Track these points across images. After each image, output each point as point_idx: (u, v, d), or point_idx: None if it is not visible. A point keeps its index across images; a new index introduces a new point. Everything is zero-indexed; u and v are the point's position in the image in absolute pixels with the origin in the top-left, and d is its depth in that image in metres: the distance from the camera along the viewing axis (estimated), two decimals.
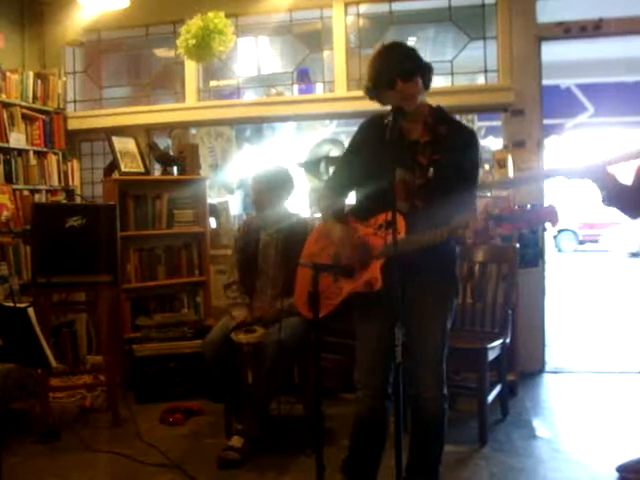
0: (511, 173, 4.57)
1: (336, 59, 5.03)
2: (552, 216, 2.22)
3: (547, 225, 2.29)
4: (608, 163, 2.72)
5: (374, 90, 2.56)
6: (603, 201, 2.78)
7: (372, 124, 2.65)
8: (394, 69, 2.49)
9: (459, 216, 2.35)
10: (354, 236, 2.61)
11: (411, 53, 2.56)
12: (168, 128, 5.54)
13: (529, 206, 2.25)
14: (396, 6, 4.99)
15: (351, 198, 2.80)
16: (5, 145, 4.62)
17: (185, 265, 4.96)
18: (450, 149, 2.51)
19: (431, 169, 2.49)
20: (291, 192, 3.81)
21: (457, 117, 5.41)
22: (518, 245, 3.96)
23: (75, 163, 5.36)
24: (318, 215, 4.01)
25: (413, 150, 2.52)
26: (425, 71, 2.56)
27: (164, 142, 5.69)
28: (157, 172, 5.27)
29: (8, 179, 4.62)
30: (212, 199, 5.45)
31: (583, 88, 9.03)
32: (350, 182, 2.72)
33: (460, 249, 2.74)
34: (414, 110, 2.51)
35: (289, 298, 3.39)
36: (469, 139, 2.61)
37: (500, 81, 4.80)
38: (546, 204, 2.32)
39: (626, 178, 2.86)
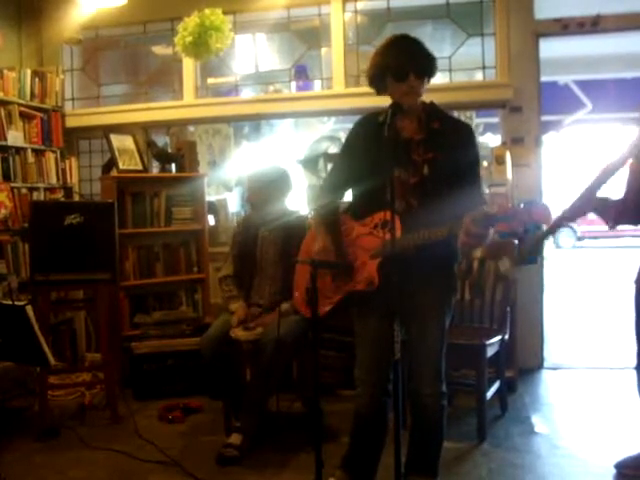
0: (509, 170, 4.57)
1: (334, 56, 5.02)
2: (545, 216, 2.23)
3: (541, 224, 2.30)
4: (586, 196, 2.80)
5: (380, 78, 2.54)
6: (610, 227, 2.87)
7: (366, 123, 2.64)
8: (409, 61, 2.47)
9: (468, 213, 2.32)
10: (333, 253, 2.60)
11: (427, 50, 2.56)
12: (166, 126, 5.53)
13: (522, 205, 2.24)
14: (394, 3, 5.00)
15: (348, 196, 2.80)
16: (3, 143, 4.61)
17: (183, 262, 4.96)
18: (445, 146, 2.49)
19: (426, 167, 2.48)
20: (287, 191, 3.80)
21: (455, 114, 5.44)
22: (516, 241, 3.96)
23: (73, 161, 5.35)
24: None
25: (407, 148, 2.51)
26: (433, 72, 2.56)
27: (162, 140, 5.69)
28: (155, 170, 5.27)
29: (6, 177, 4.61)
30: (210, 196, 5.45)
31: (581, 84, 9.02)
32: (345, 181, 2.70)
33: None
34: (410, 107, 2.50)
35: (288, 299, 3.39)
36: (464, 134, 2.59)
37: (498, 78, 4.80)
38: (539, 203, 2.32)
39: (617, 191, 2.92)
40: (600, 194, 2.85)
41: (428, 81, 2.55)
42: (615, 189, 2.97)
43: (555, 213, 2.23)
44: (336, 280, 2.64)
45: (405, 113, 2.47)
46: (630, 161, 2.94)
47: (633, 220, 2.98)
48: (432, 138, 2.52)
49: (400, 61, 2.48)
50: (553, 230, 2.93)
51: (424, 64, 2.50)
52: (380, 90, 2.59)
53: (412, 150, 2.51)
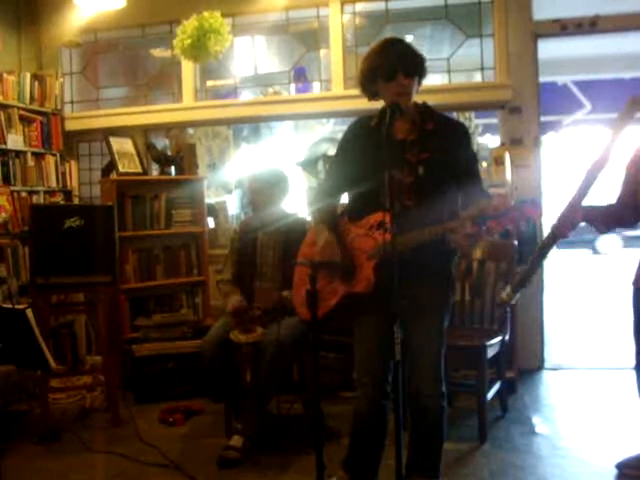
0: (509, 170, 4.58)
1: (333, 58, 5.03)
2: (534, 211, 2.24)
3: (532, 220, 2.31)
4: (573, 207, 2.78)
5: (371, 81, 2.55)
6: (601, 232, 2.86)
7: (360, 126, 2.65)
8: (398, 61, 2.48)
9: (476, 204, 2.33)
10: (337, 248, 2.59)
11: (415, 51, 2.56)
12: (165, 128, 5.54)
13: (513, 203, 2.25)
14: (392, 4, 5.00)
15: (345, 198, 2.80)
16: (3, 147, 4.62)
17: (184, 265, 4.96)
18: (440, 146, 2.50)
19: (421, 167, 2.49)
20: (287, 193, 3.83)
21: (454, 115, 5.44)
22: (516, 242, 3.97)
23: (73, 164, 5.36)
24: None
25: (401, 149, 2.51)
26: (423, 72, 2.57)
27: (161, 142, 5.69)
28: (155, 172, 5.27)
29: (6, 180, 4.62)
30: (210, 199, 5.45)
31: (580, 85, 9.03)
32: (341, 184, 2.71)
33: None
34: (404, 108, 2.51)
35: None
36: (459, 133, 2.59)
37: (497, 78, 4.80)
38: (530, 200, 2.33)
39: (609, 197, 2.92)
40: (586, 202, 2.84)
41: (420, 82, 2.56)
42: (603, 193, 2.97)
43: (545, 209, 2.24)
44: (333, 282, 2.64)
45: (399, 114, 2.47)
46: (627, 163, 2.95)
47: (628, 223, 2.98)
48: (425, 138, 2.52)
49: (387, 61, 2.49)
50: (544, 255, 2.91)
51: (412, 63, 2.51)
52: (372, 95, 2.60)
53: (406, 151, 2.51)
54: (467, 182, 2.51)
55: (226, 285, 3.81)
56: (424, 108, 2.60)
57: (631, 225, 3.00)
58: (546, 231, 2.91)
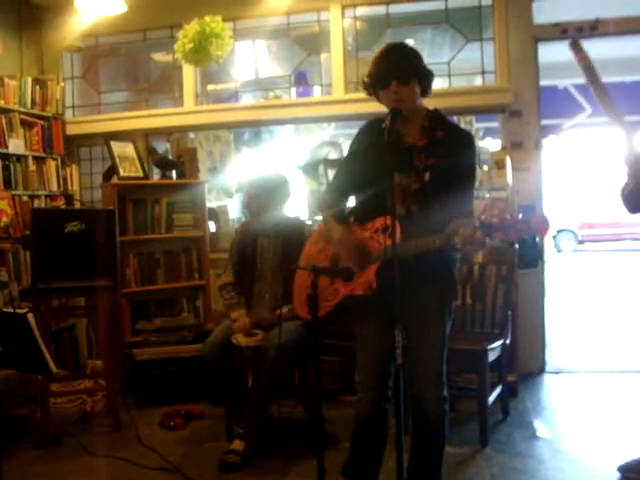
0: (509, 174, 4.58)
1: (333, 62, 5.03)
2: (542, 227, 2.23)
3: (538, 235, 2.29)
4: None
5: (370, 86, 2.58)
6: (625, 190, 2.81)
7: (370, 128, 2.66)
8: (391, 70, 2.50)
9: (455, 220, 2.35)
10: (353, 238, 2.61)
11: (412, 57, 2.56)
12: (166, 132, 5.54)
13: (521, 215, 2.25)
14: (393, 8, 5.00)
15: (352, 201, 2.81)
16: (4, 151, 4.62)
17: (185, 269, 4.96)
18: (447, 153, 2.50)
19: (427, 173, 2.49)
20: (286, 198, 3.81)
21: (455, 119, 5.45)
22: (517, 246, 3.97)
23: (74, 168, 5.36)
24: (317, 218, 4.01)
25: (410, 154, 2.52)
26: (423, 77, 2.56)
27: (163, 146, 5.70)
28: (156, 176, 5.27)
29: (7, 185, 4.62)
30: (211, 203, 5.46)
31: (581, 88, 9.02)
32: (350, 186, 2.72)
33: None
34: (411, 113, 2.51)
35: (288, 304, 3.39)
36: (466, 143, 2.59)
37: (498, 82, 4.81)
38: (538, 214, 2.31)
39: None
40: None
41: (421, 87, 2.55)
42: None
43: (553, 224, 2.22)
44: (335, 283, 2.65)
45: (407, 118, 2.48)
46: None
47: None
48: (435, 145, 2.53)
49: (381, 69, 2.52)
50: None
51: (406, 70, 2.51)
52: (377, 99, 2.61)
53: (414, 156, 2.52)
54: (458, 192, 2.51)
55: (229, 292, 3.80)
56: (435, 115, 2.61)
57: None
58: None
